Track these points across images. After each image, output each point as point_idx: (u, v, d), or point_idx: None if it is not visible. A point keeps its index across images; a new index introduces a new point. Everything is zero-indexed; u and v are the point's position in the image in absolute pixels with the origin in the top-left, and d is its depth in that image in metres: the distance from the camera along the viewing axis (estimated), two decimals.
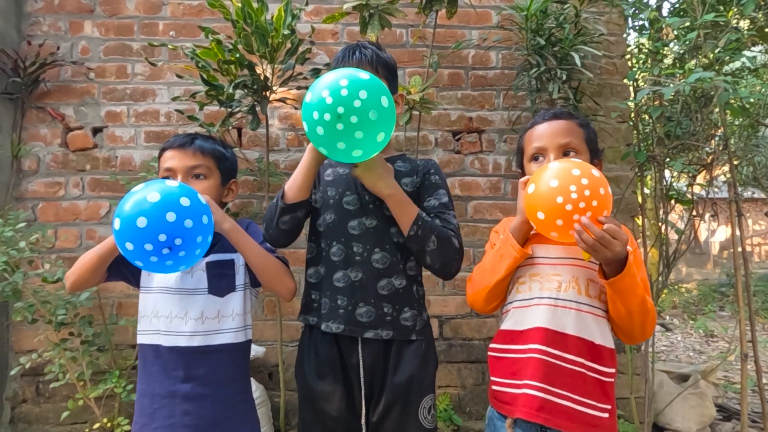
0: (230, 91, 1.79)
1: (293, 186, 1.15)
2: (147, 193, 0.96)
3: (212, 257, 1.18)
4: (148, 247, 0.94)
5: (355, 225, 1.17)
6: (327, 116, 0.97)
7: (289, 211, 1.14)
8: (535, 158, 1.13)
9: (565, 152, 1.09)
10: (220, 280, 1.17)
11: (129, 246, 0.94)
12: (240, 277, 1.19)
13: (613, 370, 1.05)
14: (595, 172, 0.97)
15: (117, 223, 0.95)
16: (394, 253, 1.17)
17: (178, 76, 2.03)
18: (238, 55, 1.77)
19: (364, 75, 1.01)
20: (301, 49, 1.89)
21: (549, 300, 1.05)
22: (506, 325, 1.12)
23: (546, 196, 0.97)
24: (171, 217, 0.95)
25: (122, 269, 1.18)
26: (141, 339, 1.17)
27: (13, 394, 2.14)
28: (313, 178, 1.17)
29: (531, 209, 1.00)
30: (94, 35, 2.30)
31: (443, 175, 1.27)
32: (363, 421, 1.14)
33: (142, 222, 0.94)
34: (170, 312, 1.13)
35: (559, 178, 0.97)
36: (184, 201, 0.98)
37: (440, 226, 1.14)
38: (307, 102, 1.01)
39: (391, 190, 1.11)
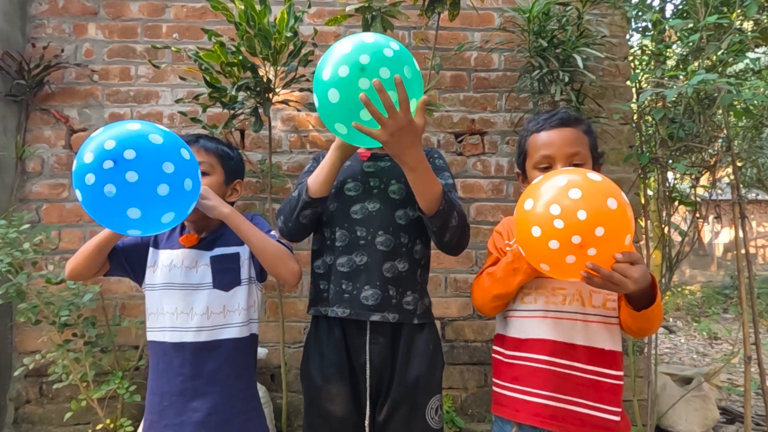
0: (233, 93, 1.79)
1: (317, 180, 1.13)
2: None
3: (217, 251, 1.18)
4: (88, 158, 0.75)
5: (358, 210, 1.17)
6: (344, 70, 0.80)
7: (311, 206, 1.14)
8: (541, 167, 1.09)
9: (572, 162, 1.06)
10: (224, 275, 1.17)
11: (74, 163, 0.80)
12: (245, 271, 1.19)
13: (621, 373, 1.05)
14: (594, 176, 0.81)
15: None
16: (399, 236, 1.17)
17: (182, 79, 2.04)
18: (240, 58, 1.78)
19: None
20: (303, 51, 1.89)
21: (555, 313, 1.05)
22: (510, 332, 1.12)
23: (522, 231, 0.79)
24: (133, 126, 0.78)
25: (124, 263, 1.19)
26: (149, 336, 1.17)
27: (17, 394, 2.15)
28: (337, 174, 1.15)
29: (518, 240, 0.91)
30: (98, 37, 2.31)
31: (446, 161, 1.29)
32: (366, 422, 1.14)
33: (102, 136, 0.78)
34: (175, 308, 1.13)
35: (535, 197, 0.77)
36: (155, 138, 0.83)
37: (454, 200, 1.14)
38: (319, 67, 0.87)
39: (418, 162, 1.00)
